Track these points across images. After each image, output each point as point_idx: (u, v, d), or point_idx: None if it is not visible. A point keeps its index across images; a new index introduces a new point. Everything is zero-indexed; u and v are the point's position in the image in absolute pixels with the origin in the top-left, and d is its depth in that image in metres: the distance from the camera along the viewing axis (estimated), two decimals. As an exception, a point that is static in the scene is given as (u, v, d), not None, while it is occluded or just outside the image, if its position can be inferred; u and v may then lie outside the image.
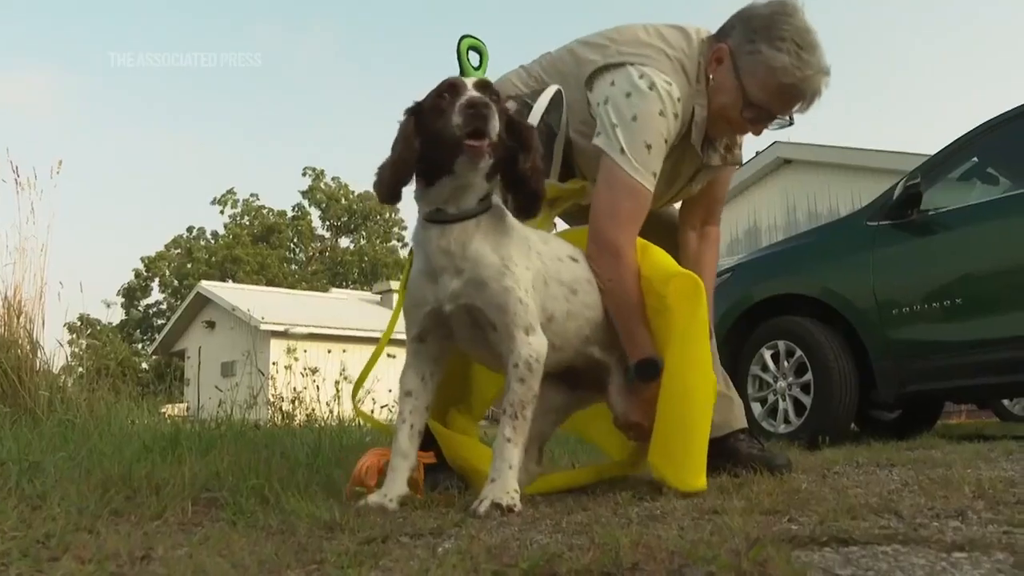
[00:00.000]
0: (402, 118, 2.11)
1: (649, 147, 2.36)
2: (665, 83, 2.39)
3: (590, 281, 2.34)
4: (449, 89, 2.03)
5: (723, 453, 2.64)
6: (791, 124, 2.51)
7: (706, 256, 2.80)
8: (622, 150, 2.36)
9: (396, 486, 2.10)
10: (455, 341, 2.21)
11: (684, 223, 2.85)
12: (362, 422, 4.66)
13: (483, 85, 2.06)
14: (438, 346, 2.21)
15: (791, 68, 2.36)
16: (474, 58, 3.09)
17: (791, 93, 2.42)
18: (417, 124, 2.07)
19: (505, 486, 1.97)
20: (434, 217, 2.09)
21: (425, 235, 2.11)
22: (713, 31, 2.58)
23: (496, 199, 2.14)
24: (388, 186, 2.08)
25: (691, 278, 2.30)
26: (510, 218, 2.16)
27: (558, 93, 2.51)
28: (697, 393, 2.25)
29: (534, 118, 2.43)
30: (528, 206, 2.12)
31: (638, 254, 2.40)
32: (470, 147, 1.94)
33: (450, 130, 1.96)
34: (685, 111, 2.45)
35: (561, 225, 2.79)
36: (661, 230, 2.71)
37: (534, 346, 2.06)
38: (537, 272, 2.17)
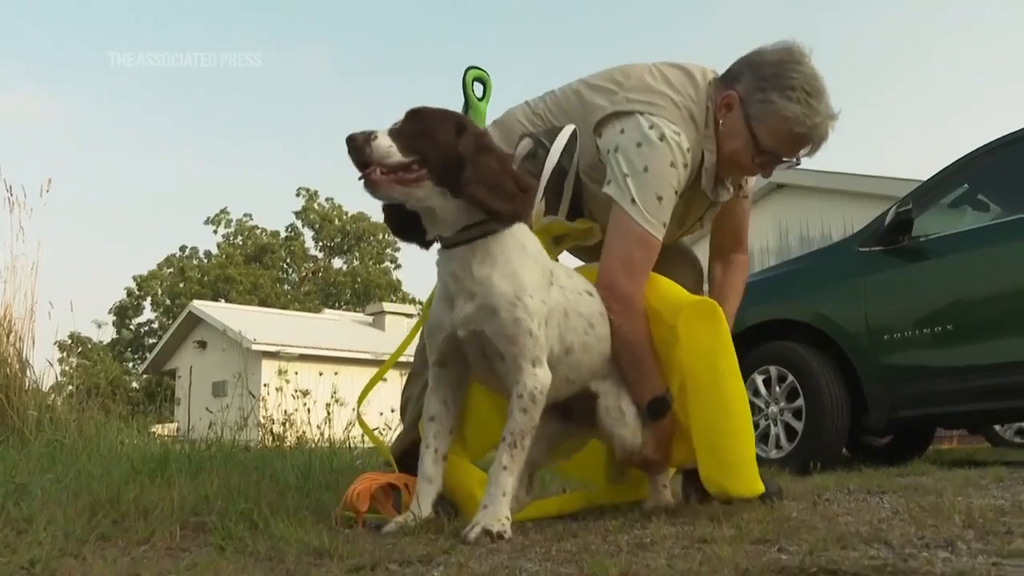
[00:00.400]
0: None
1: (660, 199, 2.37)
2: (674, 134, 2.40)
3: (603, 314, 2.36)
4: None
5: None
6: (798, 164, 2.54)
7: (730, 280, 2.84)
8: (633, 201, 2.37)
9: (423, 510, 2.12)
10: (468, 364, 2.22)
11: (712, 255, 2.90)
12: (352, 444, 4.66)
13: (406, 117, 2.06)
14: (458, 372, 2.22)
15: (802, 117, 2.39)
16: (478, 89, 3.11)
17: (801, 140, 2.45)
18: None
19: (497, 513, 1.98)
20: (442, 243, 2.13)
21: (438, 260, 2.15)
22: (719, 71, 2.59)
23: (521, 227, 2.15)
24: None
25: (704, 302, 2.37)
26: (532, 248, 2.16)
27: (574, 133, 2.52)
28: (737, 402, 2.29)
29: (552, 159, 2.43)
30: (490, 214, 2.02)
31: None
32: (364, 180, 1.98)
33: None
34: (694, 159, 2.47)
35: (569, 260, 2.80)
36: (673, 261, 2.73)
37: (539, 378, 2.08)
38: (557, 305, 2.19)
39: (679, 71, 2.54)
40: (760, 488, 2.24)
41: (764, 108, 2.41)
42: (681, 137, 2.41)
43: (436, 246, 2.17)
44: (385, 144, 1.95)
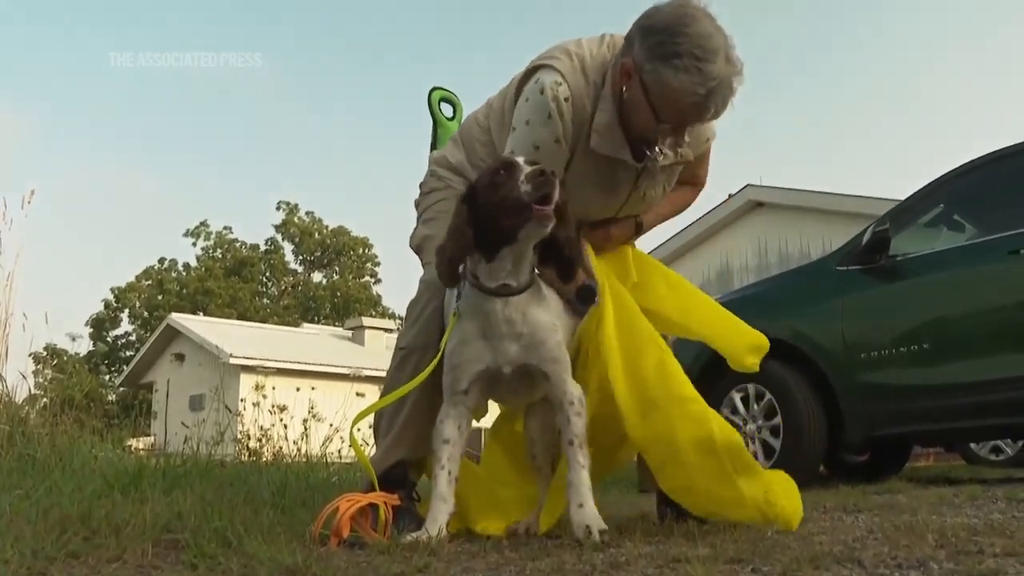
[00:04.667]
0: (456, 205, 2.29)
1: (537, 148, 2.42)
2: (555, 84, 2.40)
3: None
4: (505, 167, 2.20)
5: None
6: (716, 118, 2.41)
7: (674, 194, 2.80)
8: (513, 152, 2.44)
9: (436, 528, 2.21)
10: (493, 393, 2.41)
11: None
12: (329, 460, 4.64)
13: (533, 164, 2.19)
14: (475, 399, 2.37)
15: (691, 86, 2.26)
16: (447, 109, 3.14)
17: (698, 107, 2.32)
18: (471, 209, 2.21)
19: (593, 511, 2.16)
20: (500, 291, 2.24)
21: (488, 306, 2.25)
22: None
23: None
24: (449, 271, 2.24)
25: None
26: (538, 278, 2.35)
27: None
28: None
29: None
30: (567, 272, 2.33)
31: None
32: (539, 211, 2.11)
33: (516, 198, 2.12)
34: (579, 110, 2.44)
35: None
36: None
37: (578, 387, 2.31)
38: (556, 304, 2.40)
39: (598, 37, 2.55)
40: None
41: (654, 79, 2.30)
42: (562, 87, 2.41)
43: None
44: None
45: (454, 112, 3.14)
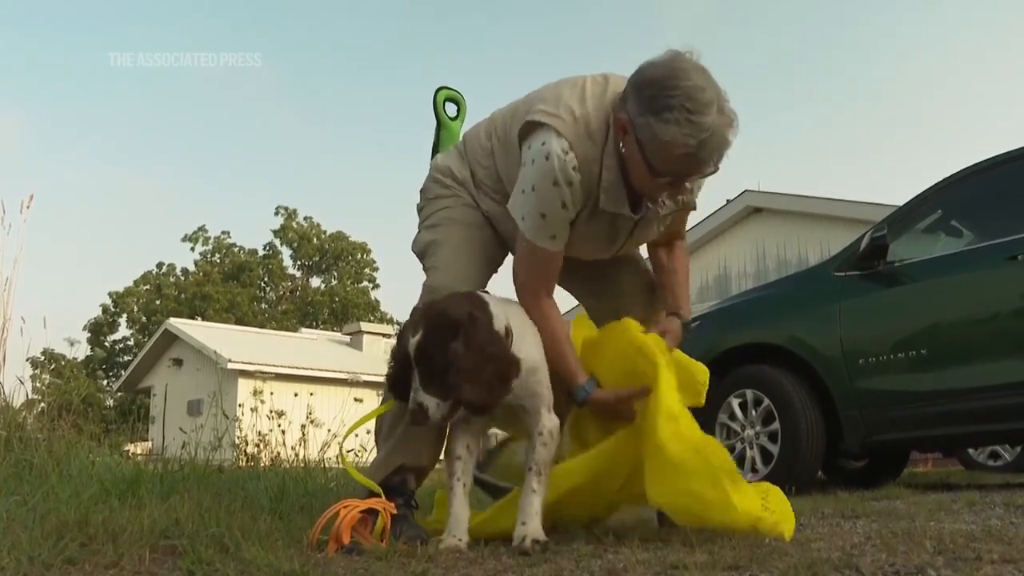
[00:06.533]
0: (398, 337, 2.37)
1: (543, 215, 2.43)
2: (562, 152, 2.38)
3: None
4: (403, 365, 2.26)
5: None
6: (716, 171, 2.39)
7: (678, 262, 2.86)
8: (523, 218, 2.48)
9: (462, 529, 2.33)
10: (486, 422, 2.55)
11: (651, 245, 2.87)
12: (327, 466, 4.63)
13: (419, 348, 2.21)
14: (477, 426, 2.50)
15: (683, 138, 2.23)
16: (451, 109, 3.13)
17: (691, 159, 2.30)
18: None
19: (537, 527, 2.26)
20: None
21: None
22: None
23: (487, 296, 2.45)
24: (399, 394, 2.35)
25: (653, 341, 2.53)
26: (516, 315, 2.45)
27: None
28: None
29: None
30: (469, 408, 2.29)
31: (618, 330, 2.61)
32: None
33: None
34: (587, 174, 2.43)
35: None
36: (628, 289, 2.89)
37: (553, 420, 2.42)
38: (536, 343, 2.47)
39: (600, 82, 2.52)
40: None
41: (647, 134, 2.29)
42: (569, 155, 2.39)
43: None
44: (436, 403, 2.19)
45: (458, 111, 3.12)
